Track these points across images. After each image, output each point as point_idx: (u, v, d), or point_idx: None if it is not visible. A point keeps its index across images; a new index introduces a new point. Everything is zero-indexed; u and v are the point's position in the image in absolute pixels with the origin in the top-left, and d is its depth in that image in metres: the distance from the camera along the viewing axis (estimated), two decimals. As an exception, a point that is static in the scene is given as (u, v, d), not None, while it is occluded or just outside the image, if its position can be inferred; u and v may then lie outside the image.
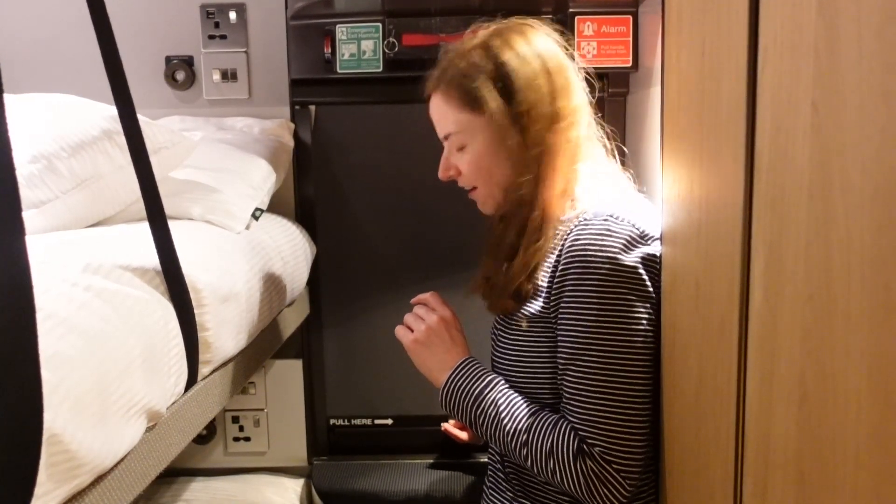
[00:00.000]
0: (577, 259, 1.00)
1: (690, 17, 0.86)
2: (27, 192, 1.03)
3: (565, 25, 1.48)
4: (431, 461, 1.73)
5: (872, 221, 0.49)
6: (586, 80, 1.13)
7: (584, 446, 0.98)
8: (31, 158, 1.05)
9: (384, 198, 1.81)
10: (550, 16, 1.49)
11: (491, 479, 1.21)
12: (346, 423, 1.83)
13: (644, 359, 0.99)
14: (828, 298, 0.55)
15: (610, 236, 0.99)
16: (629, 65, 1.48)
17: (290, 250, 1.44)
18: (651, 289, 0.99)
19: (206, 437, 1.74)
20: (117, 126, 1.04)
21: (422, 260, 1.80)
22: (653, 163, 1.38)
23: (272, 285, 1.27)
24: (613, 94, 1.55)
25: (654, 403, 1.01)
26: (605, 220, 1.01)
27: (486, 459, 1.27)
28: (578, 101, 1.10)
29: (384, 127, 1.78)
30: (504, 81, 1.06)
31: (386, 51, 1.52)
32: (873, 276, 0.49)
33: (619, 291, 0.98)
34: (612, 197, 1.08)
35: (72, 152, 1.07)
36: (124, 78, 0.82)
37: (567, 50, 1.12)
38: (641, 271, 0.99)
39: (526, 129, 1.06)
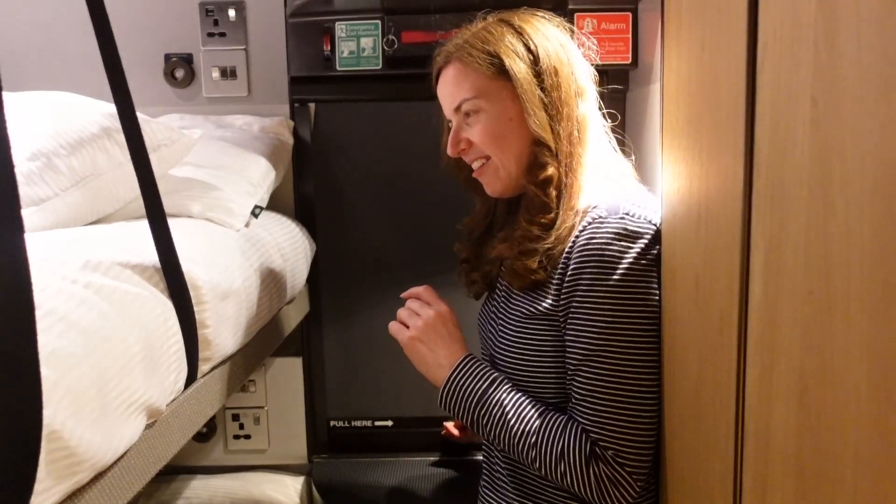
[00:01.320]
0: (593, 258, 0.98)
1: (690, 12, 0.86)
2: (26, 190, 1.03)
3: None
4: (432, 460, 1.73)
5: (872, 216, 0.49)
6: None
7: (597, 449, 0.97)
8: (30, 156, 1.05)
9: (384, 195, 1.81)
10: (549, 12, 1.49)
11: (486, 477, 1.20)
12: (346, 424, 1.83)
13: (654, 360, 0.98)
14: (827, 293, 0.55)
15: (627, 237, 0.97)
16: (629, 62, 1.48)
17: (289, 248, 1.44)
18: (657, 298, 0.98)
19: (206, 434, 1.74)
20: (116, 124, 1.04)
21: (422, 257, 1.80)
22: (653, 159, 1.38)
23: (272, 283, 1.27)
24: (613, 90, 1.55)
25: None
26: (622, 218, 0.98)
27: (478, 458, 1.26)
28: (591, 83, 1.11)
29: (384, 124, 1.78)
30: (528, 47, 1.06)
31: (385, 48, 1.52)
32: (873, 270, 0.49)
33: (635, 294, 0.96)
34: (625, 189, 1.07)
35: (71, 150, 1.07)
36: (123, 76, 0.82)
37: (573, 40, 1.13)
38: (657, 271, 0.98)
39: (551, 91, 1.05)
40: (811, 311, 0.57)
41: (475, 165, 1.13)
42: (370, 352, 1.83)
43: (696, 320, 0.86)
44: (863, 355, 0.50)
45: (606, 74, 1.53)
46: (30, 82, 1.37)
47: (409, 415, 1.82)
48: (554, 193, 1.05)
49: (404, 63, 1.52)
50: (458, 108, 1.11)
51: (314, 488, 1.73)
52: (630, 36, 1.47)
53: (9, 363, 0.52)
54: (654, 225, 0.99)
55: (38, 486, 0.57)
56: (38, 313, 0.54)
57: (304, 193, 1.70)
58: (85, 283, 0.75)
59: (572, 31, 1.13)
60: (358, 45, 1.52)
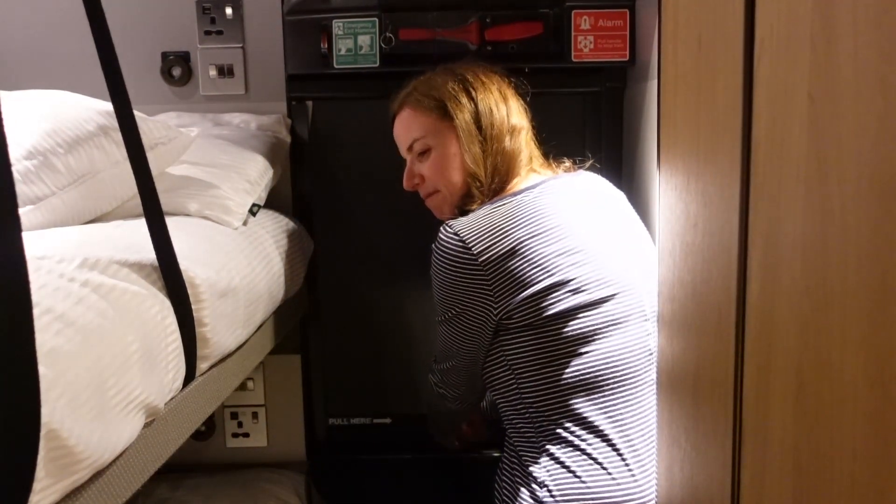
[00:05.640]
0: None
1: (687, 9, 0.86)
2: (24, 189, 1.03)
3: (562, 20, 1.49)
4: (432, 457, 1.73)
5: (869, 212, 0.49)
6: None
7: (433, 364, 1.32)
8: (27, 154, 1.05)
9: (382, 193, 1.80)
10: (547, 9, 1.49)
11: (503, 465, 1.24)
12: (345, 422, 1.83)
13: (469, 347, 1.19)
14: (824, 290, 0.55)
15: (437, 241, 1.17)
16: (626, 59, 1.48)
17: (287, 246, 1.44)
18: (470, 293, 1.14)
19: (204, 433, 1.74)
20: (113, 122, 1.04)
21: (419, 255, 1.79)
22: (650, 157, 1.38)
23: (270, 281, 1.27)
24: (611, 88, 1.55)
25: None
26: (442, 227, 1.17)
27: (479, 455, 1.36)
28: (526, 122, 1.27)
29: (381, 122, 1.77)
30: (468, 93, 1.24)
31: (382, 46, 1.51)
32: (870, 266, 0.49)
33: (441, 292, 1.19)
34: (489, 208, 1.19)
35: (68, 148, 1.07)
36: (120, 74, 0.82)
37: (518, 89, 1.29)
38: (454, 276, 1.14)
39: (485, 130, 1.22)
40: (808, 308, 0.57)
41: (423, 194, 1.33)
42: (369, 349, 1.83)
43: (694, 316, 0.87)
44: (860, 351, 0.50)
45: (604, 72, 1.53)
46: (27, 81, 1.37)
47: (408, 412, 1.82)
48: None
49: (402, 60, 1.51)
50: (410, 148, 1.30)
51: (313, 486, 1.73)
52: (628, 33, 1.47)
53: (7, 362, 0.52)
54: (461, 241, 1.13)
55: (36, 485, 0.57)
56: (36, 312, 0.54)
57: (301, 191, 1.70)
58: (82, 282, 0.75)
59: (510, 80, 1.29)
60: (355, 42, 1.52)
